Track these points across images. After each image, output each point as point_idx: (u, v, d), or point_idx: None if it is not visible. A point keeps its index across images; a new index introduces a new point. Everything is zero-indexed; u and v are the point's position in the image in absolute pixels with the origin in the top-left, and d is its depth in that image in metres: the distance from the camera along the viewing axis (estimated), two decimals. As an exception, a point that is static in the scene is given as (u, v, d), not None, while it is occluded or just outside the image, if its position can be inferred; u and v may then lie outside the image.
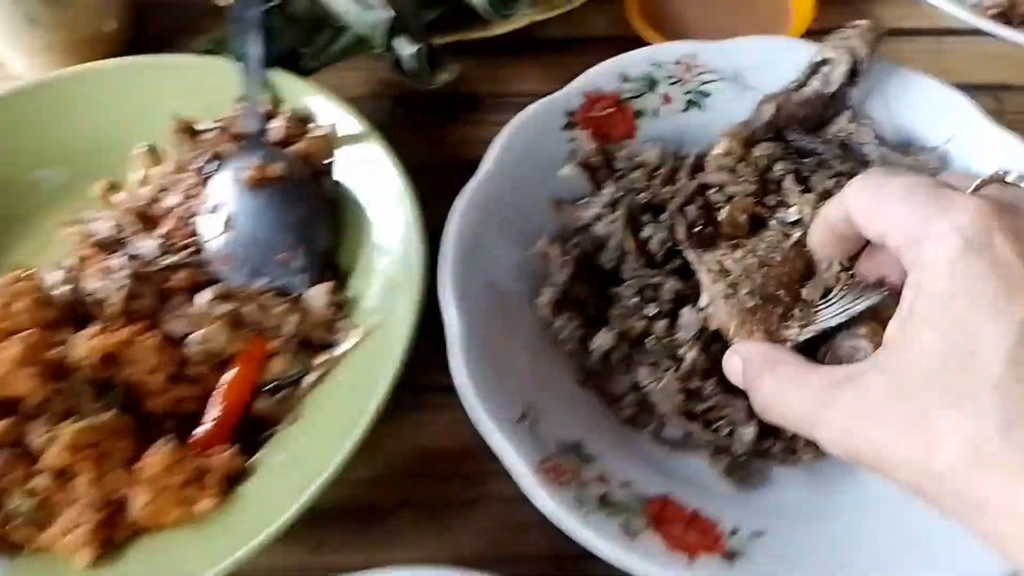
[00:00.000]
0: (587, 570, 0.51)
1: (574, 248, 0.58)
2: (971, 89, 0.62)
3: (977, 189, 0.42)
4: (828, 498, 0.53)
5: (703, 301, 0.54)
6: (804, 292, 0.50)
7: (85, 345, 0.53)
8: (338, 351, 0.56)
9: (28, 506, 0.50)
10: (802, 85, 0.61)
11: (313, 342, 0.57)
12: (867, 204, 0.42)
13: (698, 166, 0.61)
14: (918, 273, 0.38)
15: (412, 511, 0.56)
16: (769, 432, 0.53)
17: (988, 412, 0.34)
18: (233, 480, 0.52)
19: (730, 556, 0.48)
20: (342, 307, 0.59)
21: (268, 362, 0.56)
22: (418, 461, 0.58)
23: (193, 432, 0.54)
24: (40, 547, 0.50)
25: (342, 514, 0.56)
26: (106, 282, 0.56)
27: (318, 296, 0.57)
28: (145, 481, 0.50)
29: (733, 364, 0.48)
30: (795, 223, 0.56)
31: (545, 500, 0.48)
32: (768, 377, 0.44)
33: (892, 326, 0.39)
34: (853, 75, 0.61)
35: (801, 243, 0.52)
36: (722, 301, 0.51)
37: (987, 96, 0.65)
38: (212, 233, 0.60)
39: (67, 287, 0.57)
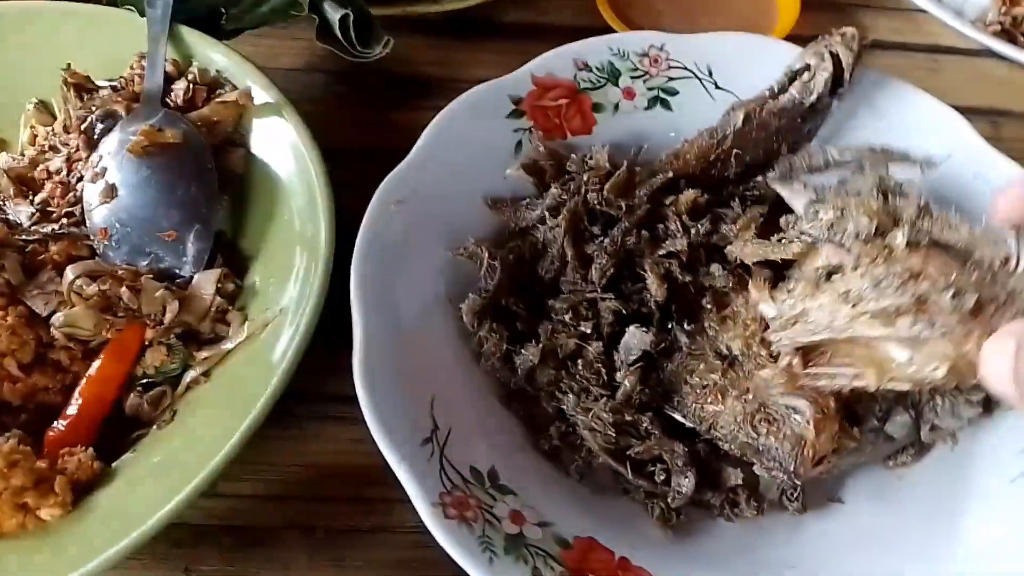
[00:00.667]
0: None
1: (508, 253, 0.52)
2: (966, 112, 0.60)
3: None
4: (773, 558, 0.49)
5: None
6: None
7: None
8: (225, 346, 0.50)
9: None
10: (779, 93, 0.56)
11: (198, 334, 0.52)
12: None
13: (660, 192, 0.56)
14: None
15: (302, 536, 0.52)
16: (709, 483, 0.50)
17: None
18: (88, 487, 0.48)
19: (659, 616, 0.42)
20: (235, 298, 0.54)
21: (143, 354, 0.49)
22: (315, 480, 0.55)
23: (49, 428, 0.47)
24: None
25: (220, 533, 0.52)
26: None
27: (206, 283, 0.52)
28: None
29: (1004, 348, 0.37)
30: None
31: (445, 539, 0.41)
32: None
33: None
34: (836, 85, 0.56)
35: None
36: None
37: (983, 121, 0.61)
38: (93, 203, 0.53)
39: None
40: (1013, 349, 0.36)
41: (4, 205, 0.56)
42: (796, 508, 0.50)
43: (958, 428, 0.50)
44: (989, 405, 0.50)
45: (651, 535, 0.49)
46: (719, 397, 0.48)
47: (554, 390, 0.52)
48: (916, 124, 0.59)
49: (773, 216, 0.57)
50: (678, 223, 0.55)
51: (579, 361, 0.52)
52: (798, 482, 0.46)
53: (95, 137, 0.58)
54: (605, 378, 0.52)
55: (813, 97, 0.58)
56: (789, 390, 0.45)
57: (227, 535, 0.51)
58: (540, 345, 0.51)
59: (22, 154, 0.61)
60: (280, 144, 0.58)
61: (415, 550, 0.51)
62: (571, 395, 0.51)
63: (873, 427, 0.49)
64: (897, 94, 0.60)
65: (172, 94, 0.60)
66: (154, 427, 0.50)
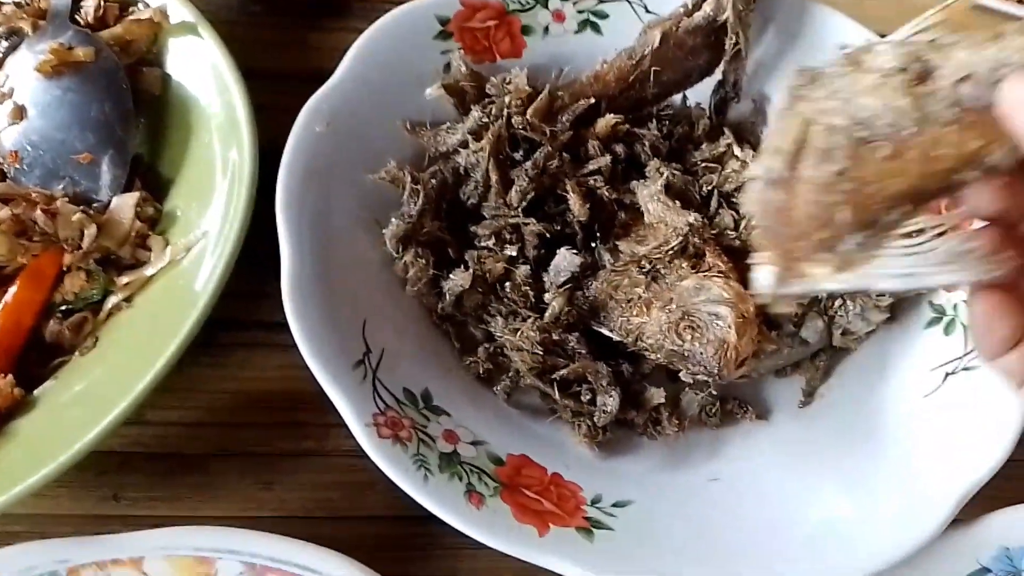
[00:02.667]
0: (432, 530, 0.49)
1: (431, 177, 0.52)
2: None
3: None
4: (694, 472, 0.51)
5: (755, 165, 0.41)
6: (891, 215, 0.37)
7: None
8: (147, 272, 0.49)
9: None
10: (693, 10, 0.57)
11: (118, 260, 0.51)
12: None
13: (582, 117, 0.56)
14: None
15: (233, 462, 0.53)
16: (632, 402, 0.52)
17: None
18: (8, 414, 0.48)
19: (589, 528, 0.43)
20: (156, 222, 0.53)
21: (61, 279, 0.48)
22: (246, 406, 0.55)
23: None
24: None
25: (148, 460, 0.52)
26: None
27: (125, 207, 0.51)
28: None
29: None
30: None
31: (379, 458, 0.42)
32: None
33: None
34: (749, 1, 0.56)
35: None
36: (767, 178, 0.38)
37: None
38: (2, 124, 0.51)
39: None
40: None
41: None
42: (714, 423, 0.52)
43: (867, 331, 0.53)
44: (894, 311, 0.53)
45: (580, 453, 0.51)
46: (644, 309, 0.49)
47: (482, 314, 0.53)
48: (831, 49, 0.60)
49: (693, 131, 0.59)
50: (597, 147, 0.55)
51: (507, 284, 0.52)
52: (723, 382, 0.48)
53: (0, 56, 0.55)
54: (533, 300, 0.52)
55: (726, 14, 0.58)
56: None
57: (156, 462, 0.51)
58: (470, 270, 0.52)
59: (-82, 73, 0.58)
60: (198, 65, 0.56)
61: (349, 473, 0.52)
62: (499, 318, 0.52)
63: (789, 332, 0.52)
64: (820, 20, 0.61)
65: (82, 11, 0.57)
66: (76, 354, 0.50)
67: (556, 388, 0.51)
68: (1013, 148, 0.35)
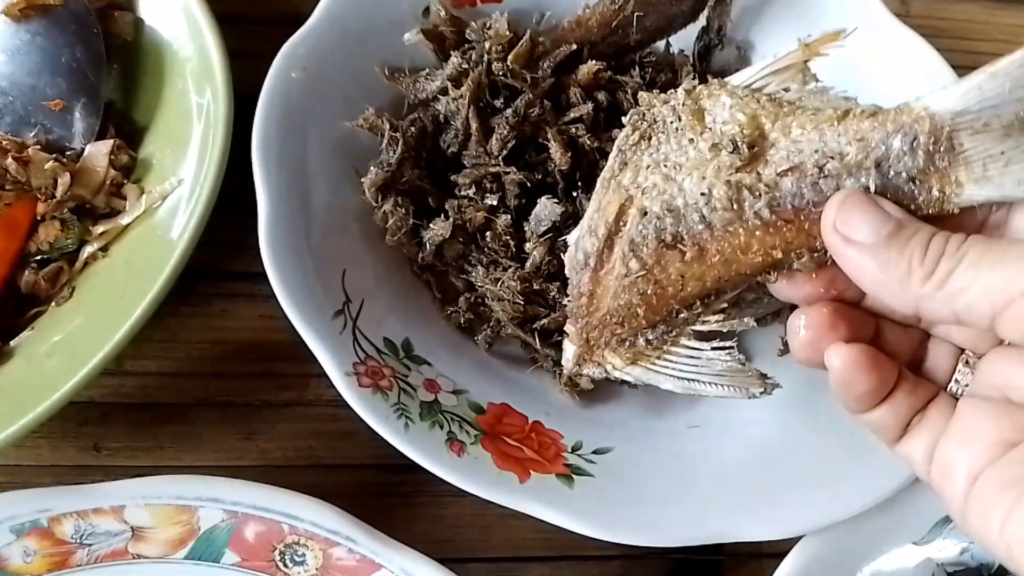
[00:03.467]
0: (414, 478, 0.49)
1: (411, 125, 0.51)
2: None
3: None
4: (674, 419, 0.52)
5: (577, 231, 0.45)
6: (683, 314, 0.41)
7: None
8: (123, 221, 0.49)
9: None
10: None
11: (93, 209, 0.50)
12: None
13: (564, 64, 0.55)
14: None
15: (213, 412, 0.52)
16: None
17: None
18: (-15, 363, 0.45)
19: (570, 475, 0.43)
20: (130, 170, 0.52)
21: (36, 229, 0.47)
22: (224, 357, 0.55)
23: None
24: None
25: (128, 411, 0.52)
26: None
27: (99, 154, 0.50)
28: None
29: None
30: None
31: (360, 406, 0.42)
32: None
33: None
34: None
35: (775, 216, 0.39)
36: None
37: (893, -1, 0.61)
38: (-31, 70, 0.49)
39: None
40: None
41: None
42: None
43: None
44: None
45: (561, 401, 0.51)
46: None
47: (463, 263, 0.52)
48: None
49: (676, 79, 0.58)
50: (579, 95, 0.55)
51: (487, 234, 0.52)
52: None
53: (-34, -1, 0.53)
54: (514, 250, 0.52)
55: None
56: None
57: (136, 412, 0.51)
58: (451, 220, 0.51)
59: None
60: (170, 9, 0.55)
61: (330, 422, 0.52)
62: (480, 267, 0.52)
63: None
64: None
65: (49, -49, 0.55)
66: (52, 304, 0.49)
67: (537, 337, 0.51)
68: (820, 254, 0.36)
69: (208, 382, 0.52)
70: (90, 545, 0.41)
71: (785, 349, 0.54)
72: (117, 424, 0.51)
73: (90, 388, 0.45)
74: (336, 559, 0.41)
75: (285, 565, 0.41)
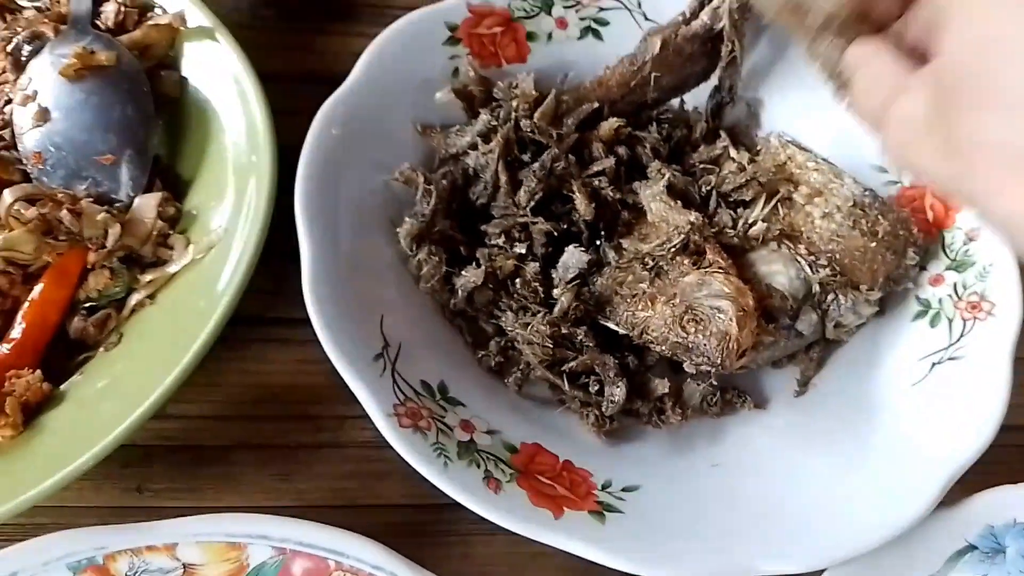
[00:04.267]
0: (447, 517, 0.51)
1: (442, 178, 0.54)
2: None
3: None
4: (697, 458, 0.54)
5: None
6: None
7: None
8: (170, 270, 0.51)
9: None
10: (691, 18, 0.59)
11: (141, 258, 0.53)
12: None
13: (587, 120, 0.59)
14: None
15: (251, 454, 0.54)
16: (638, 393, 0.54)
17: None
18: (37, 409, 0.49)
19: (601, 511, 0.45)
20: (176, 221, 0.55)
21: (85, 277, 0.49)
22: (262, 400, 0.56)
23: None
24: None
25: (170, 453, 0.53)
26: None
27: (147, 206, 0.52)
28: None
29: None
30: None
31: (401, 446, 0.44)
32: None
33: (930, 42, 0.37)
34: (744, 10, 0.58)
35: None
36: None
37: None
38: (24, 127, 0.52)
39: None
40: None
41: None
42: (715, 412, 0.54)
43: (858, 324, 0.56)
44: (884, 304, 0.56)
45: (588, 441, 0.53)
46: (649, 304, 0.51)
47: (493, 309, 0.55)
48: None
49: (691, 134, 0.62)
50: (601, 149, 0.57)
51: (517, 281, 0.54)
52: (725, 373, 0.50)
53: (23, 59, 0.56)
54: (542, 296, 0.54)
55: (722, 23, 0.60)
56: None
57: (177, 454, 0.53)
58: (482, 268, 0.53)
59: (-61, 76, 0.58)
60: (215, 68, 0.58)
61: (364, 463, 0.54)
62: (510, 313, 0.54)
63: (785, 325, 0.53)
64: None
65: (102, 16, 0.58)
66: (101, 349, 0.51)
67: (566, 380, 0.53)
68: None
69: (246, 425, 0.54)
70: (144, 581, 0.42)
71: (801, 390, 0.56)
72: (159, 466, 0.52)
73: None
74: (380, 593, 0.43)
75: (331, 600, 0.43)
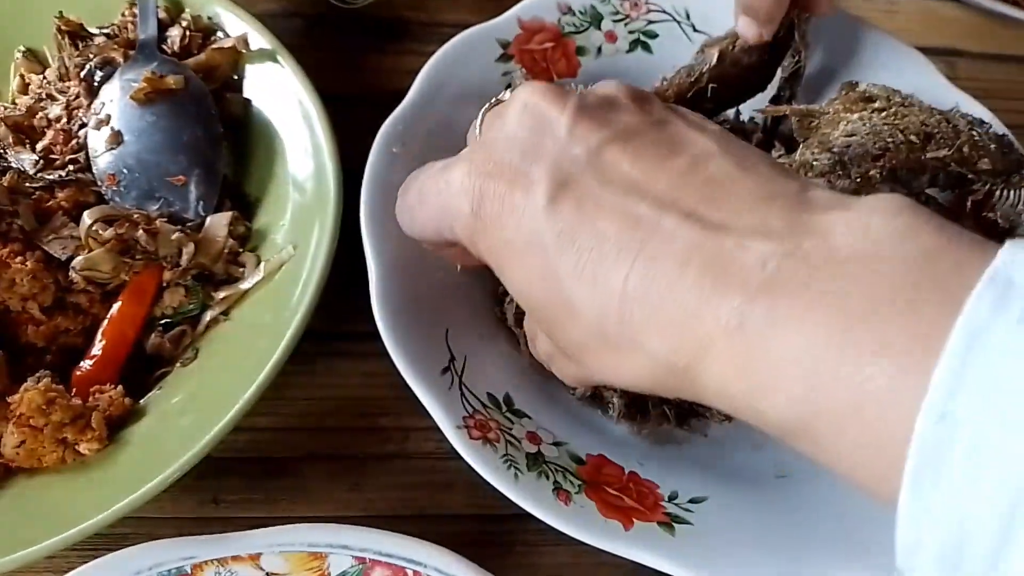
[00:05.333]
0: (511, 527, 0.53)
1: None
2: (924, 51, 0.65)
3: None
4: (766, 467, 0.55)
5: None
6: None
7: None
8: (242, 287, 0.53)
9: None
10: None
11: (214, 276, 0.55)
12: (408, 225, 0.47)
13: None
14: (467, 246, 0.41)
15: (321, 465, 0.56)
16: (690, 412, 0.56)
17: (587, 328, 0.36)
18: (120, 423, 0.51)
19: (670, 524, 0.46)
20: (246, 239, 0.57)
21: (161, 295, 0.52)
22: (330, 412, 0.58)
23: (75, 369, 0.49)
24: None
25: (242, 465, 0.56)
26: (-27, 196, 0.50)
27: (218, 225, 0.55)
28: (18, 418, 0.46)
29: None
30: None
31: (472, 459, 0.45)
32: None
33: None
34: (808, 20, 0.59)
35: None
36: None
37: (939, 61, 0.66)
38: (99, 150, 0.55)
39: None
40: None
41: (5, 153, 0.56)
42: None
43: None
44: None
45: (653, 454, 0.54)
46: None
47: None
48: (883, 63, 0.64)
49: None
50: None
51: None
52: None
53: (95, 85, 0.59)
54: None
55: (782, 33, 0.62)
56: None
57: (249, 466, 0.55)
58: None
59: (13, 103, 0.61)
60: (277, 89, 0.60)
61: (430, 474, 0.55)
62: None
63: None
64: (863, 35, 0.65)
65: (168, 41, 0.61)
66: (177, 365, 0.53)
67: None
68: None
69: (315, 436, 0.56)
70: (229, 590, 0.44)
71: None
72: (233, 478, 0.54)
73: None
74: (457, 601, 0.44)
75: (409, 607, 0.44)
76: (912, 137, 0.53)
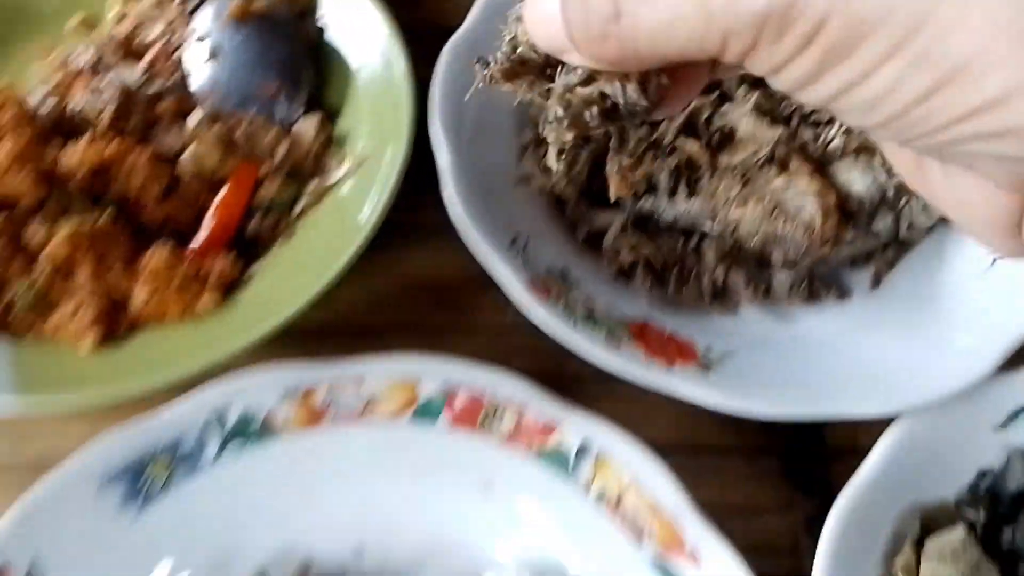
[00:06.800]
0: (573, 387, 0.59)
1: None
2: None
3: None
4: (784, 333, 0.63)
5: None
6: None
7: (77, 155, 0.58)
8: (330, 180, 0.62)
9: (29, 295, 0.56)
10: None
11: (303, 171, 0.64)
12: None
13: None
14: None
15: (403, 333, 0.64)
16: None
17: None
18: (229, 288, 0.60)
19: (704, 367, 0.55)
20: (330, 142, 0.67)
21: (259, 187, 0.61)
22: (407, 290, 0.68)
23: (190, 244, 0.59)
24: (44, 334, 0.57)
25: (334, 333, 0.65)
26: (93, 99, 0.59)
27: (307, 128, 0.65)
28: (146, 277, 0.55)
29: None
30: None
31: (539, 312, 0.54)
32: None
33: None
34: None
35: None
36: None
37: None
38: (197, 65, 0.64)
39: (52, 104, 0.60)
40: None
41: (114, 69, 0.66)
42: (802, 298, 0.64)
43: (928, 225, 0.65)
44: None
45: (691, 319, 0.63)
46: (742, 203, 0.62)
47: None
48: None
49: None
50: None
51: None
52: (811, 258, 0.60)
53: (191, 10, 0.69)
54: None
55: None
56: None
57: (339, 335, 0.64)
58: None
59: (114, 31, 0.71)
60: (353, 16, 0.70)
61: (498, 341, 0.63)
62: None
63: (863, 225, 0.64)
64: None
65: (252, -28, 0.71)
66: (275, 246, 0.63)
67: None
68: None
69: (396, 309, 0.66)
70: (336, 410, 0.54)
71: (875, 286, 0.66)
72: (324, 343, 0.61)
73: (312, 309, 0.58)
74: (526, 421, 0.54)
75: (486, 426, 0.54)
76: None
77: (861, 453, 0.56)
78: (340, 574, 0.54)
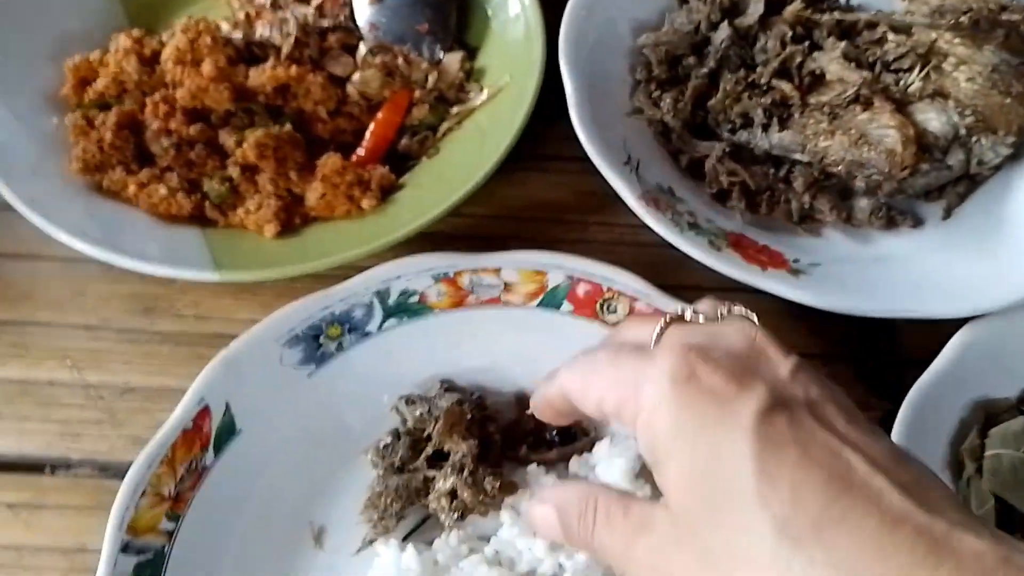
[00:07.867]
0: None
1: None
2: None
3: (661, 332, 0.48)
4: (865, 253, 0.72)
5: None
6: None
7: (263, 76, 0.70)
8: (471, 105, 0.73)
9: (221, 190, 0.67)
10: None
11: (449, 98, 0.75)
12: (578, 383, 0.49)
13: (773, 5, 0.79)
14: (644, 418, 0.43)
15: (522, 244, 0.72)
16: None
17: (763, 527, 0.37)
18: (387, 191, 0.72)
19: (794, 273, 0.64)
20: (472, 74, 0.77)
21: (411, 109, 0.72)
22: (525, 207, 0.78)
23: (353, 154, 0.70)
24: (232, 223, 0.69)
25: (465, 238, 0.75)
26: (275, 31, 0.71)
27: (453, 60, 0.76)
28: (320, 178, 0.66)
29: (543, 516, 0.50)
30: None
31: (649, 219, 0.64)
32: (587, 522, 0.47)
33: (654, 474, 0.44)
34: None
35: None
36: None
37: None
38: (362, 5, 0.77)
39: (240, 34, 0.71)
40: (554, 519, 0.49)
41: (291, 6, 0.78)
42: (881, 223, 0.73)
43: (996, 162, 0.73)
44: (1018, 150, 0.74)
45: (782, 235, 0.72)
46: (830, 135, 0.71)
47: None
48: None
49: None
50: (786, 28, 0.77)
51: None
52: (893, 180, 0.69)
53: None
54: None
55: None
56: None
57: (469, 241, 0.74)
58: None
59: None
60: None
61: (607, 254, 0.70)
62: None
63: (937, 158, 0.72)
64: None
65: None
66: (423, 159, 0.74)
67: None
68: None
69: (517, 223, 0.76)
70: (477, 293, 0.65)
71: (946, 217, 0.74)
72: (457, 246, 0.71)
73: (437, 224, 0.69)
74: (637, 310, 0.64)
75: (603, 313, 0.64)
76: (991, 5, 0.71)
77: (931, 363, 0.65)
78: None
